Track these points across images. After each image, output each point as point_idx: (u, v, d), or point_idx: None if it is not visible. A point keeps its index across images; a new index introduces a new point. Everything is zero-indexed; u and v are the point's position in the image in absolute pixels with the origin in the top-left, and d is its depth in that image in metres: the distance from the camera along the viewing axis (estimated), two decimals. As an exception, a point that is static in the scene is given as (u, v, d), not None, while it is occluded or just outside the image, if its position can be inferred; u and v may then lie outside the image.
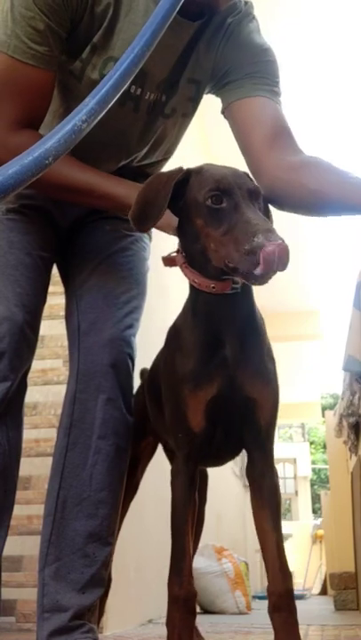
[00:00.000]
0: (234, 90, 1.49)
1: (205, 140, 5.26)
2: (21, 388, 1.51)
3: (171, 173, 1.29)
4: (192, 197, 1.27)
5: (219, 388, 1.31)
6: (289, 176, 1.38)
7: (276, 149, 1.42)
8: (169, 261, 1.40)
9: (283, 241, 1.10)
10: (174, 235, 1.37)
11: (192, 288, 1.35)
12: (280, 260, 1.10)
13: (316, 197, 1.33)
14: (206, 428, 1.33)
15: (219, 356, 1.31)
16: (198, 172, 1.29)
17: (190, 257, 1.32)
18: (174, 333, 1.42)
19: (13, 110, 1.36)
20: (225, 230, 1.19)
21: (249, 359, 1.33)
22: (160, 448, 1.76)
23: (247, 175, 1.32)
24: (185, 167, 1.31)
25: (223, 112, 1.53)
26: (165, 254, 1.41)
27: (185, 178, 1.28)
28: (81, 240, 1.64)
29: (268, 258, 1.09)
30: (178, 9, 1.26)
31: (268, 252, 1.09)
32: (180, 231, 1.33)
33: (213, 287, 1.30)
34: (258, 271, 1.12)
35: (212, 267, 1.26)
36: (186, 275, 1.35)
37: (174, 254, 1.38)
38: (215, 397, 1.31)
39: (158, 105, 1.49)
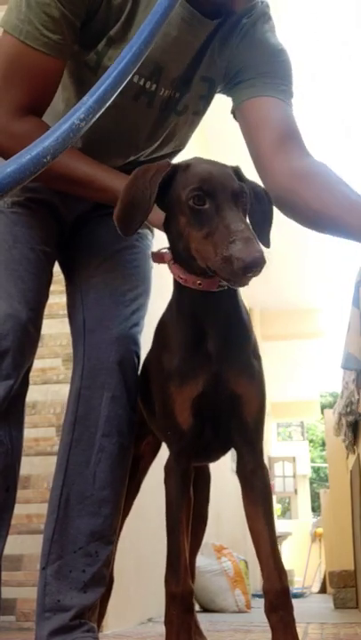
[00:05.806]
0: (245, 89, 1.48)
1: (205, 138, 5.26)
2: (23, 386, 1.50)
3: (157, 169, 1.26)
4: (177, 195, 1.25)
5: (204, 385, 1.30)
6: (292, 185, 1.38)
7: (283, 152, 1.41)
8: (158, 258, 1.39)
9: (260, 251, 1.10)
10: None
11: (177, 285, 1.34)
12: (253, 269, 1.10)
13: (315, 216, 1.34)
14: (194, 425, 1.32)
15: (202, 352, 1.31)
16: (185, 167, 1.27)
17: (176, 253, 1.31)
18: (161, 330, 1.42)
19: (19, 96, 1.34)
20: (206, 233, 1.19)
21: (234, 356, 1.32)
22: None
23: (235, 172, 1.30)
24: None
25: (233, 112, 1.51)
26: (155, 250, 1.40)
27: (171, 173, 1.27)
28: (86, 235, 1.63)
29: (242, 267, 1.10)
30: (191, 7, 1.26)
31: (243, 262, 1.10)
32: (166, 226, 1.32)
33: (200, 284, 1.29)
34: (233, 278, 1.13)
35: (198, 265, 1.25)
36: (172, 271, 1.34)
37: (164, 250, 1.37)
38: (201, 394, 1.31)
39: (172, 102, 1.48)
